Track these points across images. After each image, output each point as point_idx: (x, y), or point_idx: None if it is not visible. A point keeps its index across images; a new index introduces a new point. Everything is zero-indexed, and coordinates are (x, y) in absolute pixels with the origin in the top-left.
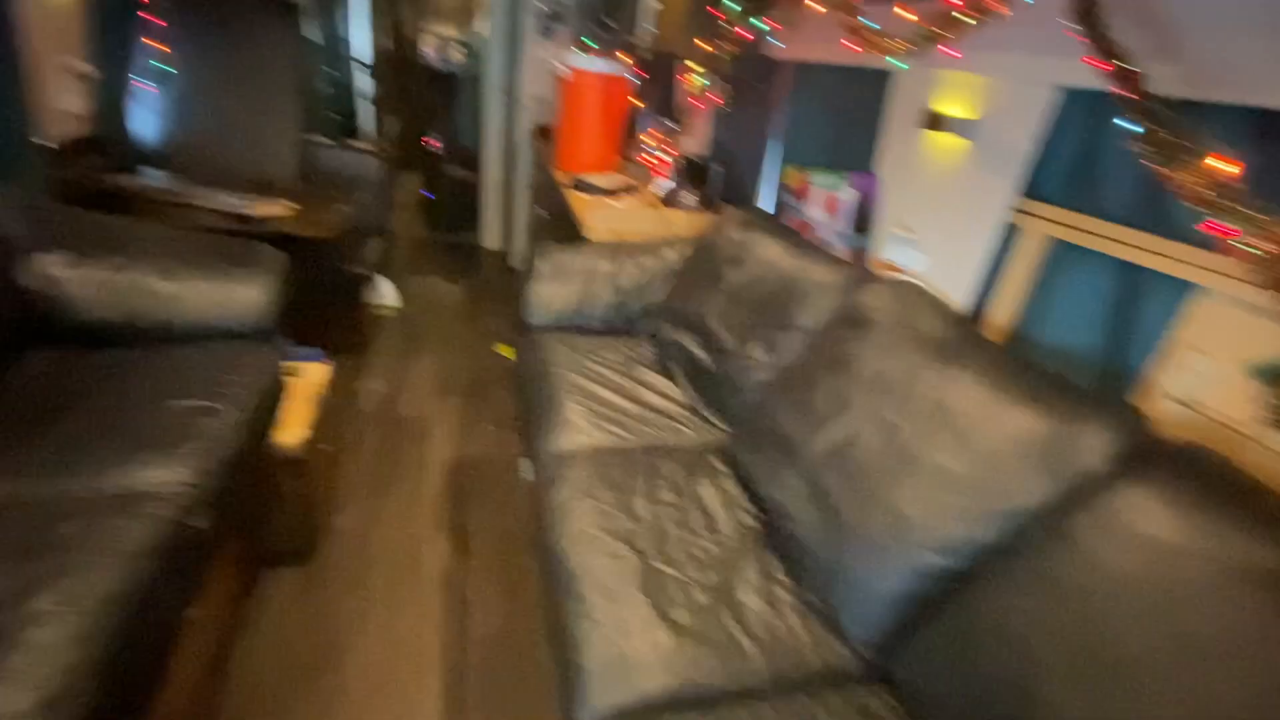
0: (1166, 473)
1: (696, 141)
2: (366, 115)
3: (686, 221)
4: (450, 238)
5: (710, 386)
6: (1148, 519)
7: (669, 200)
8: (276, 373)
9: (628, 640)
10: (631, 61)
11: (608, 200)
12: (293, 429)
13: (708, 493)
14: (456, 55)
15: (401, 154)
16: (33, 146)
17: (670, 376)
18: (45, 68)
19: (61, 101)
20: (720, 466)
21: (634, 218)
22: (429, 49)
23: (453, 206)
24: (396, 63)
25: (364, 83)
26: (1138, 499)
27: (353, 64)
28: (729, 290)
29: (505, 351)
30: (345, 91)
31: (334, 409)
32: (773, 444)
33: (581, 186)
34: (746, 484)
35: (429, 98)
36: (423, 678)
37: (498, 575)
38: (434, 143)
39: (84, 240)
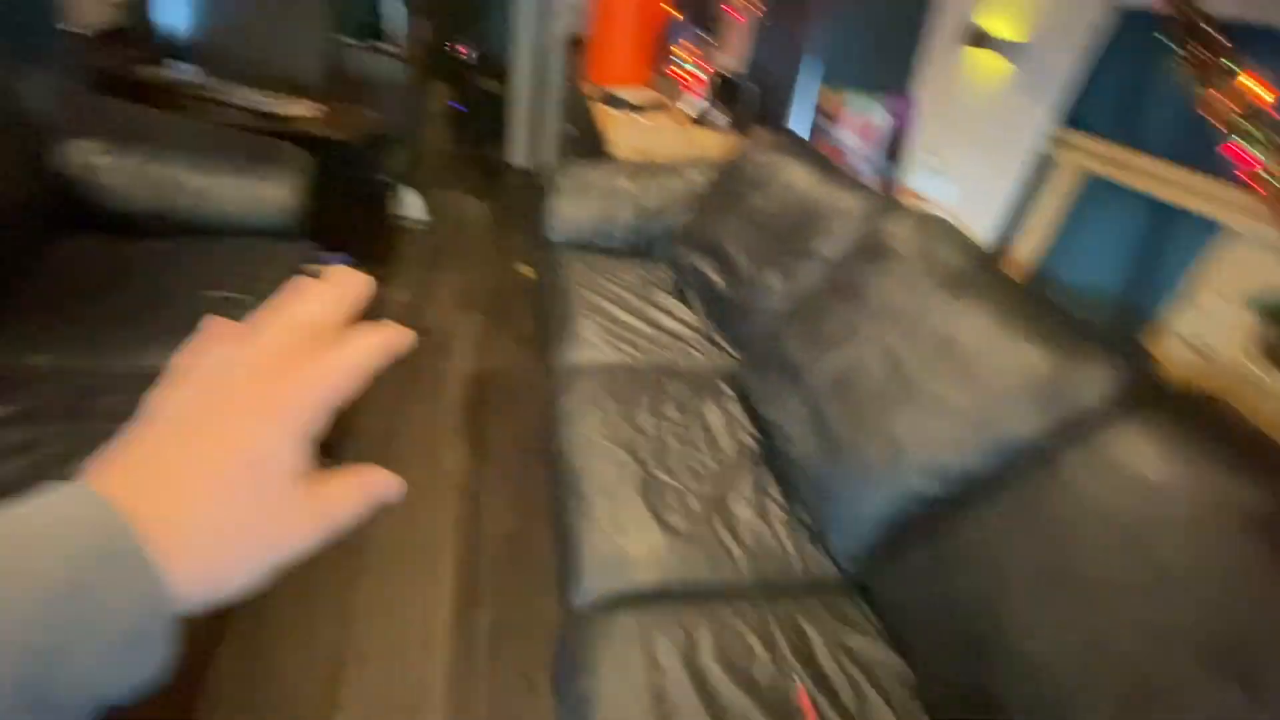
0: (1161, 414)
1: (732, 58)
2: (394, 16)
3: (716, 143)
4: (477, 151)
5: (725, 313)
6: (1136, 457)
7: (699, 119)
8: (301, 272)
9: (624, 537)
10: None
11: (636, 117)
12: None
13: (712, 413)
14: None
15: (429, 61)
16: (62, 33)
17: (686, 301)
18: None
19: None
20: (727, 390)
21: (662, 136)
22: None
23: (481, 119)
24: None
25: None
26: (1129, 438)
27: None
28: (750, 215)
29: (527, 270)
30: None
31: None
32: (779, 370)
33: (610, 101)
34: (751, 407)
35: (461, 2)
36: (438, 564)
37: (511, 480)
38: (463, 50)
39: (116, 129)
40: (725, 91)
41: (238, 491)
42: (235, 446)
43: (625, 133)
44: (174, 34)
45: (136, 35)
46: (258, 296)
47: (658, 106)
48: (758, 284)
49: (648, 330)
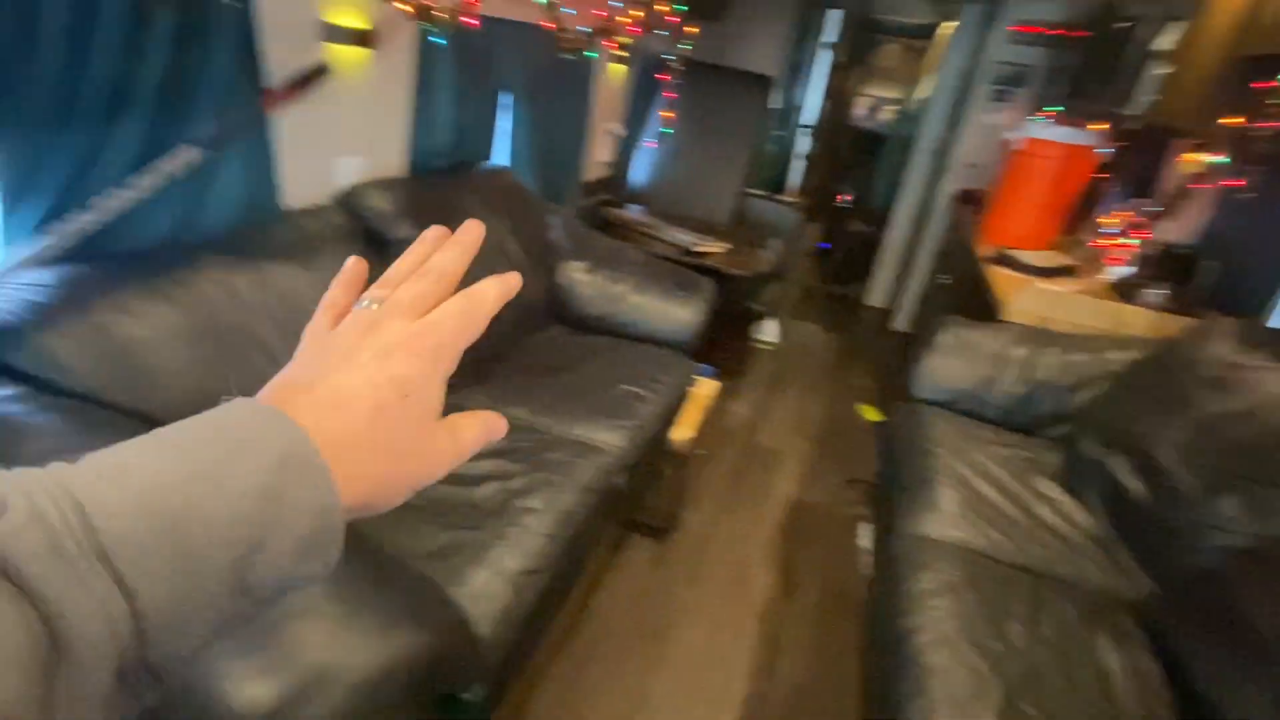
0: None
1: (1179, 229)
2: (797, 172)
3: (1145, 321)
4: (836, 289)
5: (1138, 527)
6: None
7: (1125, 292)
8: (689, 383)
9: None
10: (1108, 132)
11: (1036, 280)
12: (683, 429)
13: (1108, 654)
14: (886, 115)
15: (812, 206)
16: (579, 184)
17: (1079, 498)
18: (598, 129)
19: (600, 153)
20: (1131, 628)
21: (1070, 305)
22: (860, 109)
23: (846, 260)
24: (830, 122)
25: (803, 144)
26: None
27: (797, 128)
28: (1201, 420)
29: (868, 413)
30: (785, 151)
31: (710, 421)
32: (1232, 634)
33: (1006, 261)
34: (1171, 667)
35: (850, 155)
36: (728, 689)
37: (815, 628)
38: (844, 198)
39: (592, 253)
40: (1167, 264)
41: (393, 418)
42: (391, 377)
43: (1020, 296)
44: (637, 183)
45: (612, 184)
46: (657, 396)
47: (1065, 272)
48: (1202, 507)
49: (1023, 520)
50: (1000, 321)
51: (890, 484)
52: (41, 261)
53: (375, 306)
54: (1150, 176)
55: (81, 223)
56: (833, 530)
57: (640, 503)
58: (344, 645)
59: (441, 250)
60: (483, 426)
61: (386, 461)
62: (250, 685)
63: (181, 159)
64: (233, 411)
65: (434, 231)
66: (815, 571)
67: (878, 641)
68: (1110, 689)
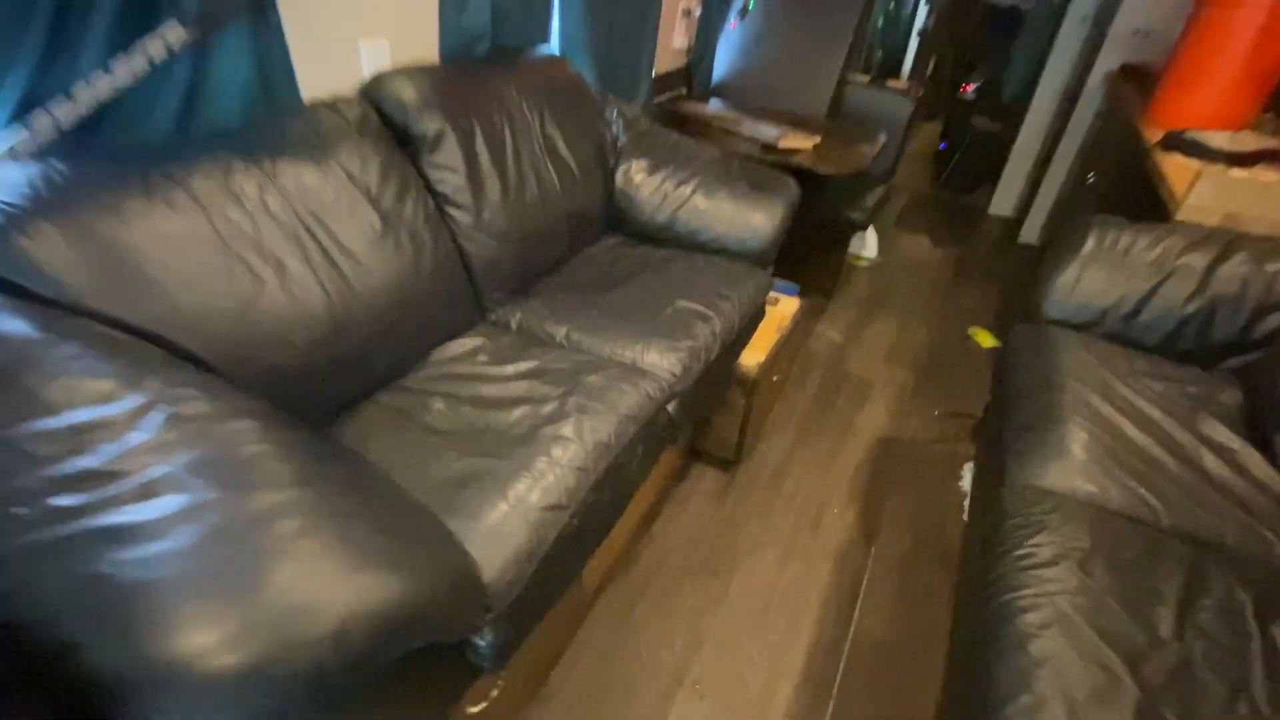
0: None
1: None
2: (913, 55)
3: None
4: (954, 196)
5: None
6: None
7: None
8: (763, 299)
9: None
10: None
11: (1228, 169)
12: (755, 352)
13: None
14: None
15: (930, 99)
16: (650, 75)
17: (1267, 449)
18: (673, 13)
19: (675, 39)
20: None
21: (1271, 198)
22: None
23: (967, 162)
24: None
25: (921, 21)
26: None
27: (915, 2)
28: None
29: (982, 338)
30: (901, 28)
31: (790, 344)
32: None
33: (1185, 147)
34: None
35: (979, 37)
36: (795, 635)
37: (898, 578)
38: (969, 88)
39: (657, 153)
40: None
41: None
42: None
43: (1202, 189)
44: (716, 74)
45: (690, 75)
46: (721, 315)
47: (1266, 157)
48: None
49: (1182, 473)
50: (1171, 222)
51: (1005, 423)
52: (16, 158)
53: None
54: None
55: (60, 114)
56: (929, 471)
57: (704, 431)
58: (310, 588)
59: None
60: None
61: None
62: (198, 634)
63: (166, 38)
64: None
65: None
66: (904, 514)
67: (973, 617)
68: None
